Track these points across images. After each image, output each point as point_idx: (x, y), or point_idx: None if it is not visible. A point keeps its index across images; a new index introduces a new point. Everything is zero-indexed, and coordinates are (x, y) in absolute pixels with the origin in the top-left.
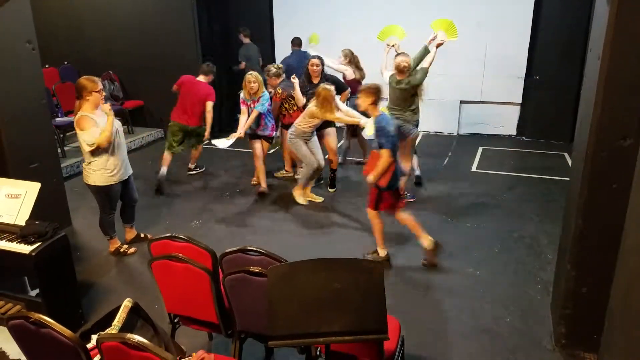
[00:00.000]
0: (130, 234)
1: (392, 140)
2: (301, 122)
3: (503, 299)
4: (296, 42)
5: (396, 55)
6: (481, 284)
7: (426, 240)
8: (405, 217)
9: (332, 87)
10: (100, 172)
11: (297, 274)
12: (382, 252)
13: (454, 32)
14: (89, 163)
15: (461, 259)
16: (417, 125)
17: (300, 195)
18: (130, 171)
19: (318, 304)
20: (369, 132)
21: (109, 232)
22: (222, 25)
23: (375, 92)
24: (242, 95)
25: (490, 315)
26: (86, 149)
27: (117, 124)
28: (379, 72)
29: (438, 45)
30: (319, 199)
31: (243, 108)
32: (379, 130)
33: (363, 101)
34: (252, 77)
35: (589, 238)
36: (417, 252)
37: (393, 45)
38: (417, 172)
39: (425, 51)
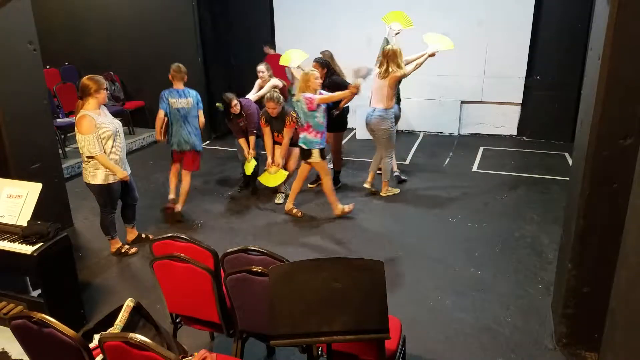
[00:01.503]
0: (132, 234)
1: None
2: (389, 99)
3: (504, 298)
4: None
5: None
6: (482, 283)
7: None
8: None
9: (396, 45)
10: (100, 170)
11: (298, 274)
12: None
13: (407, 21)
14: (89, 162)
15: (462, 259)
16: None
17: (389, 191)
18: (129, 170)
19: (319, 303)
20: (439, 47)
21: (110, 232)
22: (224, 25)
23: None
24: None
25: (491, 315)
26: (84, 152)
27: (118, 124)
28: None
29: (396, 34)
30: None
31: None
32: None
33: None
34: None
35: (590, 237)
36: (419, 249)
37: (298, 67)
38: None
39: (386, 42)
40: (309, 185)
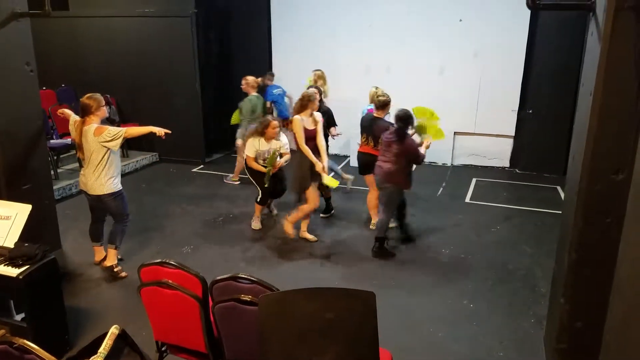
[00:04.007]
0: (100, 254)
1: None
2: None
3: (497, 332)
4: None
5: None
6: (475, 316)
7: None
8: None
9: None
10: (112, 178)
11: (288, 304)
12: None
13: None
14: (100, 174)
15: (455, 291)
16: None
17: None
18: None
19: (309, 334)
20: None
21: (119, 243)
22: (222, 51)
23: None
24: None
25: (484, 348)
26: (114, 146)
27: None
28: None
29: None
30: None
31: None
32: None
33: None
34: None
35: (583, 271)
36: (411, 279)
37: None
38: None
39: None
40: (321, 215)
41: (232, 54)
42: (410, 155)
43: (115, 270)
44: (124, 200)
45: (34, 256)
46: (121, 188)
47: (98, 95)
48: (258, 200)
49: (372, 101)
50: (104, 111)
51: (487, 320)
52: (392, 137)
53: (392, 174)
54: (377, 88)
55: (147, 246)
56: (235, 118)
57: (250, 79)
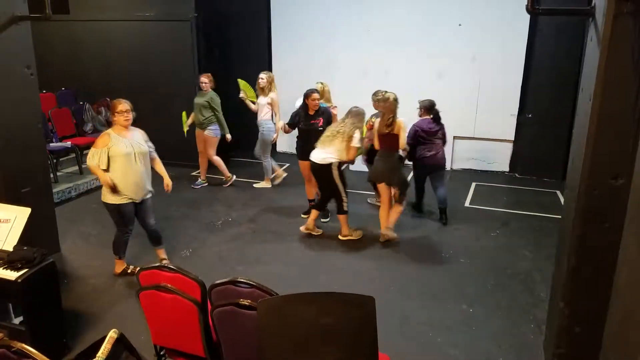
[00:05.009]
0: (161, 253)
1: None
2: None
3: (496, 336)
4: None
5: None
6: (474, 321)
7: None
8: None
9: None
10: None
11: (288, 308)
12: None
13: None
14: None
15: (454, 295)
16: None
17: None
18: (146, 195)
19: (309, 339)
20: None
21: (119, 252)
22: (221, 52)
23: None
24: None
25: (483, 353)
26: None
27: (137, 147)
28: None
29: None
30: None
31: None
32: None
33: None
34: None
35: (582, 276)
36: (410, 284)
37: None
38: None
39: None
40: (322, 220)
41: (232, 57)
42: (444, 134)
43: (129, 271)
44: (122, 215)
45: (32, 259)
46: (122, 203)
47: (115, 101)
48: (345, 208)
49: (321, 97)
50: (118, 118)
51: (486, 325)
52: (435, 126)
53: (444, 156)
54: (322, 83)
55: (145, 250)
56: (185, 120)
57: (209, 76)
